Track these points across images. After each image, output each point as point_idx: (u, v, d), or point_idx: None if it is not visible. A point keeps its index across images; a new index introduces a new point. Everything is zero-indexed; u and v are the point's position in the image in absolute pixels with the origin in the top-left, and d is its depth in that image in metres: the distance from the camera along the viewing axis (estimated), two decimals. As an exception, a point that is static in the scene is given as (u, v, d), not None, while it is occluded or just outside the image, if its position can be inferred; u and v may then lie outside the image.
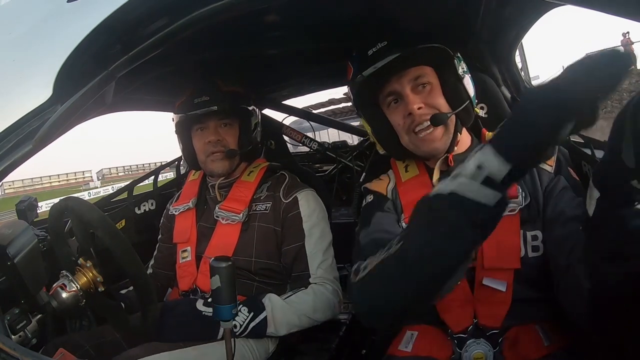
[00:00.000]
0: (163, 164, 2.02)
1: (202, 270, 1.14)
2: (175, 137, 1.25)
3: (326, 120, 2.26)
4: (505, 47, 1.25)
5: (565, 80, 0.49)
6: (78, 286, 0.87)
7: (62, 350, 0.93)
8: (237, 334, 0.96)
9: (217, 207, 1.18)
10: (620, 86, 0.48)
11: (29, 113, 0.66)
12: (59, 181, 45.40)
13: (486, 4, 1.01)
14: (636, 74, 11.15)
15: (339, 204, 1.83)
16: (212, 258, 0.78)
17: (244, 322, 0.97)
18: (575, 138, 1.12)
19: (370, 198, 0.94)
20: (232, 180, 1.22)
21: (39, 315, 0.81)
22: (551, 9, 1.04)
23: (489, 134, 0.94)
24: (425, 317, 0.86)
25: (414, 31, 0.88)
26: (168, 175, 2.41)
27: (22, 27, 0.78)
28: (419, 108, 0.84)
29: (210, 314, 0.96)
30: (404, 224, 0.87)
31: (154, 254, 1.33)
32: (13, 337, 0.74)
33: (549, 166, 0.85)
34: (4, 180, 0.68)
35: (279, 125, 1.88)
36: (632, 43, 12.27)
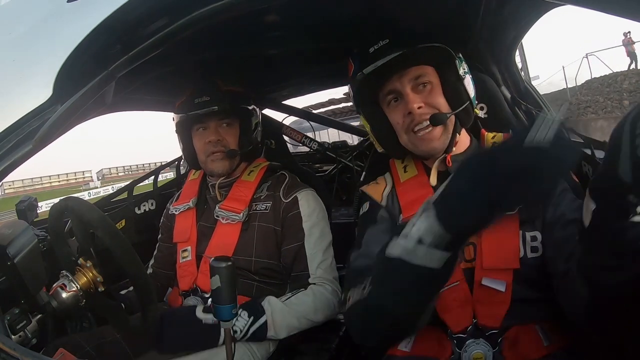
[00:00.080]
0: (163, 164, 2.02)
1: (202, 270, 1.14)
2: (175, 137, 1.25)
3: (326, 120, 2.26)
4: (505, 47, 1.25)
5: (502, 159, 0.51)
6: (78, 286, 0.87)
7: (62, 350, 0.93)
8: (238, 339, 0.96)
9: (217, 207, 1.18)
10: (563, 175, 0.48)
11: (29, 113, 0.66)
12: (59, 181, 45.37)
13: (486, 4, 1.01)
14: (636, 74, 11.19)
15: (339, 204, 1.83)
16: (212, 258, 0.78)
17: (244, 327, 0.96)
18: (575, 138, 1.12)
19: (365, 207, 0.95)
20: (233, 180, 1.22)
21: (39, 315, 0.81)
22: (551, 9, 1.05)
23: (488, 135, 0.94)
24: None
25: (415, 30, 0.88)
26: (168, 175, 2.41)
27: (22, 27, 0.78)
28: (418, 107, 0.84)
29: (211, 322, 0.96)
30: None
31: (154, 253, 1.33)
32: (13, 337, 0.74)
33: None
34: (4, 180, 0.68)
35: (279, 125, 1.88)
36: (633, 43, 12.26)
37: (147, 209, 1.67)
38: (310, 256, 1.11)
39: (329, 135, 3.31)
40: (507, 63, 1.29)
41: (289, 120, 1.99)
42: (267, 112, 1.90)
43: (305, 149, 2.04)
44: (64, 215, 0.91)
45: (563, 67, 13.15)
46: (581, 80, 12.46)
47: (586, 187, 0.55)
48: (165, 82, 1.28)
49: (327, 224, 1.19)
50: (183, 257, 1.20)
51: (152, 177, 1.79)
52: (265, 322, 0.98)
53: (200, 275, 1.15)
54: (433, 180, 0.88)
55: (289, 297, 1.05)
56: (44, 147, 0.68)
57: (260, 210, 1.17)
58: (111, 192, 2.00)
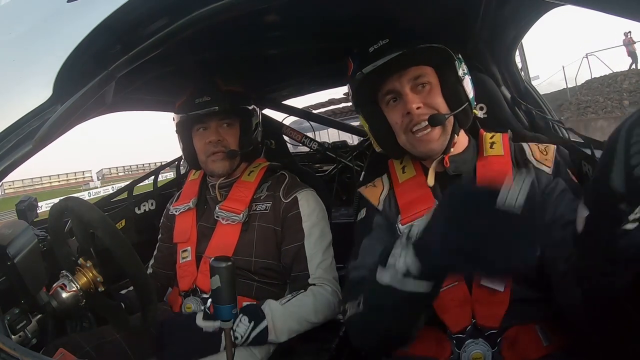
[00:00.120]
0: (163, 164, 2.03)
1: (202, 270, 1.14)
2: (175, 137, 1.25)
3: (326, 120, 2.27)
4: (505, 47, 1.25)
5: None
6: (78, 286, 0.87)
7: (62, 350, 0.93)
8: (238, 344, 0.96)
9: (217, 207, 1.18)
10: None
11: (29, 113, 0.66)
12: (59, 181, 45.34)
13: (486, 4, 1.01)
14: (636, 74, 11.20)
15: (339, 204, 1.83)
16: (212, 258, 0.78)
17: (245, 332, 0.96)
18: (575, 138, 1.12)
19: (363, 214, 0.95)
20: (233, 180, 1.22)
21: (39, 315, 0.81)
22: (551, 9, 1.05)
23: (486, 135, 0.94)
24: None
25: (414, 31, 0.88)
26: (168, 175, 2.41)
27: (22, 27, 0.78)
28: (417, 108, 0.84)
29: (211, 330, 0.96)
30: (400, 226, 0.88)
31: (154, 253, 1.33)
32: (13, 337, 0.74)
33: (547, 167, 0.85)
34: (4, 180, 0.68)
35: (279, 125, 1.88)
36: (634, 42, 12.26)
37: (147, 209, 1.67)
38: (310, 256, 1.11)
39: (329, 135, 3.31)
40: (507, 63, 1.29)
41: (289, 120, 1.99)
42: (267, 112, 1.90)
43: (305, 149, 2.04)
44: (64, 215, 0.91)
45: (563, 67, 13.18)
46: (581, 80, 12.49)
47: None
48: (165, 82, 1.28)
49: (327, 224, 1.19)
50: (183, 258, 1.20)
51: (152, 177, 1.79)
52: (266, 327, 0.98)
53: (200, 276, 1.15)
54: (430, 181, 0.88)
55: (289, 299, 1.05)
56: (44, 147, 0.68)
57: (260, 210, 1.17)
58: (111, 192, 2.00)
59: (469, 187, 0.59)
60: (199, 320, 0.98)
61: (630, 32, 12.38)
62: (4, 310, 0.73)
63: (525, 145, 0.90)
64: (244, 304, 1.09)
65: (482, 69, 1.24)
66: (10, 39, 0.76)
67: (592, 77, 12.27)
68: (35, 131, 0.65)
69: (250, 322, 0.97)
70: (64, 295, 0.85)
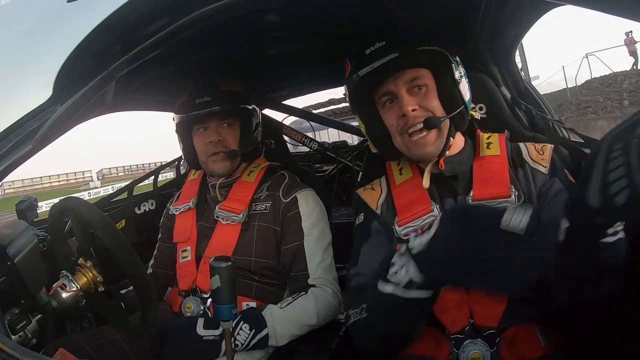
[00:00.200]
0: (163, 164, 2.03)
1: (202, 270, 1.14)
2: (175, 136, 1.25)
3: (326, 120, 2.26)
4: (505, 47, 1.25)
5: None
6: (78, 286, 0.87)
7: (62, 350, 0.93)
8: (238, 351, 0.96)
9: (217, 207, 1.18)
10: None
11: (29, 113, 0.66)
12: (59, 181, 45.34)
13: (486, 4, 1.01)
14: (636, 74, 11.19)
15: (339, 204, 1.83)
16: (212, 258, 0.78)
17: (245, 341, 0.96)
18: (575, 138, 1.12)
19: (361, 218, 0.95)
20: (233, 180, 1.22)
21: (39, 315, 0.81)
22: (551, 9, 1.05)
23: (483, 136, 0.93)
24: None
25: (413, 32, 0.88)
26: (168, 175, 2.41)
27: (22, 27, 0.78)
28: (413, 110, 0.84)
29: (212, 338, 0.96)
30: (397, 227, 0.88)
31: (154, 253, 1.33)
32: (13, 337, 0.74)
33: (542, 167, 0.85)
34: (4, 180, 0.68)
35: (279, 125, 1.88)
36: (635, 42, 12.26)
37: (147, 209, 1.67)
38: (309, 256, 1.11)
39: (329, 135, 3.31)
40: (507, 63, 1.29)
41: (289, 120, 1.99)
42: (267, 112, 1.90)
43: (305, 149, 2.04)
44: (64, 215, 0.91)
45: (563, 67, 13.20)
46: (581, 80, 12.50)
47: None
48: (165, 82, 1.28)
49: (326, 224, 1.19)
50: (183, 257, 1.20)
51: (152, 177, 1.79)
52: (267, 334, 0.98)
53: (199, 276, 1.15)
54: (426, 183, 0.88)
55: (290, 303, 1.04)
56: (44, 147, 0.68)
57: (260, 210, 1.17)
58: (111, 192, 2.00)
59: (474, 206, 0.60)
60: (200, 329, 0.99)
61: (631, 31, 12.41)
62: (4, 310, 0.73)
63: (521, 145, 0.90)
64: (244, 304, 1.09)
65: (482, 69, 1.24)
66: (10, 39, 0.76)
67: (592, 77, 12.27)
68: (35, 131, 0.65)
69: (251, 330, 0.97)
70: (64, 295, 0.85)
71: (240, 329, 0.96)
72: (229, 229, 1.15)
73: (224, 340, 0.80)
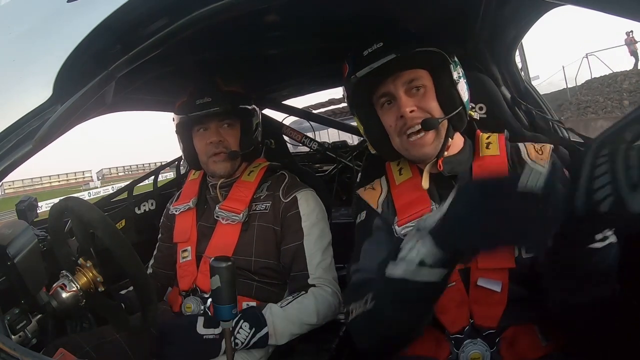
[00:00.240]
0: (163, 164, 2.03)
1: (202, 270, 1.14)
2: (175, 137, 1.25)
3: (326, 120, 2.26)
4: (504, 47, 1.25)
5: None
6: (78, 286, 0.87)
7: (62, 350, 0.93)
8: (238, 349, 0.96)
9: (217, 207, 1.18)
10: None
11: (29, 113, 0.66)
12: (59, 181, 45.34)
13: (486, 4, 1.01)
14: (636, 74, 11.19)
15: (339, 204, 1.83)
16: (212, 258, 0.78)
17: (245, 339, 0.96)
18: (575, 138, 1.12)
19: (363, 216, 0.95)
20: (233, 180, 1.22)
21: (39, 315, 0.81)
22: (551, 9, 1.04)
23: (482, 135, 0.93)
24: None
25: (412, 32, 0.88)
26: (168, 175, 2.41)
27: (22, 27, 0.78)
28: (411, 111, 0.84)
29: (212, 337, 0.96)
30: (397, 227, 0.88)
31: (154, 253, 1.33)
32: (13, 337, 0.74)
33: (541, 167, 0.85)
34: (4, 180, 0.68)
35: (279, 125, 1.88)
36: (636, 42, 12.26)
37: (147, 209, 1.67)
38: (309, 256, 1.11)
39: (329, 135, 3.31)
40: (507, 63, 1.29)
41: (289, 120, 1.99)
42: (267, 112, 1.90)
43: (305, 149, 2.04)
44: (64, 215, 0.91)
45: (563, 67, 13.20)
46: (581, 80, 12.50)
47: None
48: (165, 82, 1.28)
49: (326, 224, 1.19)
50: (183, 257, 1.20)
51: (152, 177, 1.79)
52: (267, 333, 0.98)
53: (200, 276, 1.15)
54: (425, 184, 0.88)
55: (290, 302, 1.05)
56: (44, 147, 0.68)
57: (260, 210, 1.17)
58: (111, 192, 2.00)
59: (488, 177, 0.60)
60: (200, 328, 0.99)
61: (632, 31, 12.41)
62: (4, 310, 0.73)
63: (521, 145, 0.90)
64: (244, 304, 1.10)
65: (482, 69, 1.24)
66: (10, 39, 0.76)
67: (592, 77, 12.28)
68: (35, 131, 0.65)
69: (251, 328, 0.97)
70: (64, 295, 0.85)
71: (240, 327, 0.96)
72: (229, 228, 1.15)
73: (224, 339, 0.80)
